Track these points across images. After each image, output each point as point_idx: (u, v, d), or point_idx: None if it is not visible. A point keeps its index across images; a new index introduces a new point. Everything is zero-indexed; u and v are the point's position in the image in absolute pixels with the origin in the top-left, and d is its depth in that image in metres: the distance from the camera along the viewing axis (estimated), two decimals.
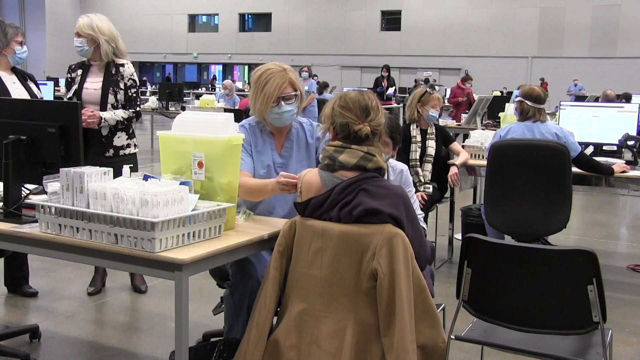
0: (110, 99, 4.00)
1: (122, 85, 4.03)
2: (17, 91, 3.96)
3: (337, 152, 2.30)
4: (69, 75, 4.12)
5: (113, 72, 4.03)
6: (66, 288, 4.41)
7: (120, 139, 4.04)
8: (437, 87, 7.04)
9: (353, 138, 2.31)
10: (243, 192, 2.67)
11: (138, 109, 4.13)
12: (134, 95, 4.08)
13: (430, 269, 2.75)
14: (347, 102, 2.33)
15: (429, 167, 4.88)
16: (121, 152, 4.04)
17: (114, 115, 3.96)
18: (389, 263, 2.15)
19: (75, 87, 4.04)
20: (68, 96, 4.05)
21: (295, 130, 2.97)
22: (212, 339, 3.18)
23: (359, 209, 2.20)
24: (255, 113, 2.88)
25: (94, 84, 4.03)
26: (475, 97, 9.84)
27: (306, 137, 2.97)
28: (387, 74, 14.53)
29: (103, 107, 3.99)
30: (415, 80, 22.98)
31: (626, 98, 11.10)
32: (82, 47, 3.99)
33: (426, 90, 4.97)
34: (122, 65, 4.06)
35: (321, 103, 12.91)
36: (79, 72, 4.08)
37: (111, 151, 4.01)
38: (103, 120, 3.92)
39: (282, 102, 2.79)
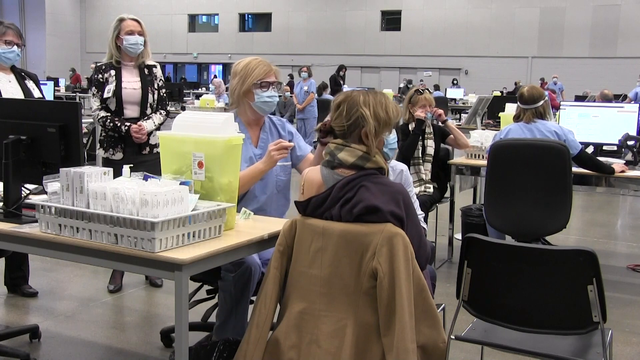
0: (150, 98, 4.18)
1: (156, 86, 4.23)
2: (11, 90, 3.93)
3: (338, 149, 2.32)
4: (100, 76, 4.13)
5: (146, 72, 4.20)
6: (66, 288, 4.41)
7: (155, 138, 4.20)
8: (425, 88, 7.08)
9: (350, 137, 2.32)
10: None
11: (168, 108, 4.35)
12: (164, 95, 4.31)
13: (431, 269, 2.75)
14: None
15: (428, 166, 4.90)
16: (155, 150, 4.19)
17: (153, 125, 4.17)
18: (389, 262, 2.15)
19: (111, 87, 4.09)
20: (106, 96, 4.10)
21: (268, 124, 3.12)
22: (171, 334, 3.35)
23: (360, 206, 2.20)
24: (239, 96, 2.99)
25: (132, 84, 4.15)
26: (475, 97, 9.82)
27: (278, 130, 3.13)
28: (343, 74, 15.16)
29: (144, 107, 4.17)
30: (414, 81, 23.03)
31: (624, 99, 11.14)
32: (139, 45, 4.13)
33: (415, 91, 5.03)
34: (155, 66, 4.27)
35: (321, 104, 12.90)
36: (112, 72, 4.13)
37: (147, 149, 4.18)
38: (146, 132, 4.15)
39: (271, 88, 2.97)
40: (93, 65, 27.06)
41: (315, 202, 2.29)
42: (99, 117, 4.13)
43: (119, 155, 4.13)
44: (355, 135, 2.32)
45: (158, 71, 4.27)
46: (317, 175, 2.36)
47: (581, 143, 4.38)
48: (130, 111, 4.14)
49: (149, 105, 4.17)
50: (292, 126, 3.23)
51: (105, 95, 4.09)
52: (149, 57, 4.22)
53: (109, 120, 4.09)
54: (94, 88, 4.18)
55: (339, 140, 2.34)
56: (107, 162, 4.13)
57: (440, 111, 5.00)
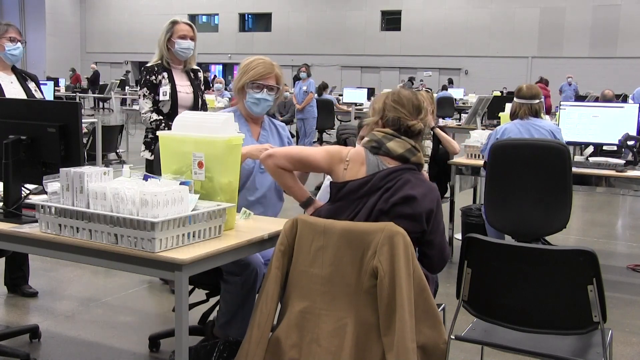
0: (200, 102, 4.23)
1: (202, 89, 4.30)
2: (13, 90, 3.93)
3: (386, 138, 2.38)
4: (153, 77, 4.10)
5: (193, 76, 4.24)
6: (66, 288, 4.41)
7: None
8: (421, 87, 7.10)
9: (404, 132, 2.40)
10: None
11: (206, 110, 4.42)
12: (205, 99, 4.38)
13: (435, 276, 2.74)
14: (401, 98, 2.45)
15: (425, 166, 4.90)
16: None
17: None
18: (390, 261, 2.16)
19: (166, 89, 4.08)
20: (162, 99, 4.08)
21: (268, 123, 3.18)
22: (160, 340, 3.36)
23: (398, 195, 2.27)
24: (235, 91, 3.07)
25: (184, 88, 4.19)
26: (475, 97, 9.83)
27: (278, 130, 3.19)
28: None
29: (195, 110, 4.14)
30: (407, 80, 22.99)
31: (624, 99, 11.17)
32: (191, 50, 4.15)
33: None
34: (199, 70, 4.32)
35: (320, 104, 12.88)
36: (165, 74, 4.11)
37: None
38: None
39: (265, 90, 2.98)
40: (93, 66, 27.04)
41: (351, 186, 2.34)
42: (151, 119, 4.09)
43: None
44: (421, 134, 2.43)
45: (201, 75, 4.32)
46: (362, 155, 2.40)
47: (581, 143, 4.38)
48: None
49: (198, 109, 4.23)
50: (289, 135, 3.31)
51: (162, 98, 4.08)
52: (194, 62, 4.25)
53: (163, 124, 4.06)
54: (145, 89, 4.11)
55: (388, 130, 2.40)
56: (152, 163, 4.14)
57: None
